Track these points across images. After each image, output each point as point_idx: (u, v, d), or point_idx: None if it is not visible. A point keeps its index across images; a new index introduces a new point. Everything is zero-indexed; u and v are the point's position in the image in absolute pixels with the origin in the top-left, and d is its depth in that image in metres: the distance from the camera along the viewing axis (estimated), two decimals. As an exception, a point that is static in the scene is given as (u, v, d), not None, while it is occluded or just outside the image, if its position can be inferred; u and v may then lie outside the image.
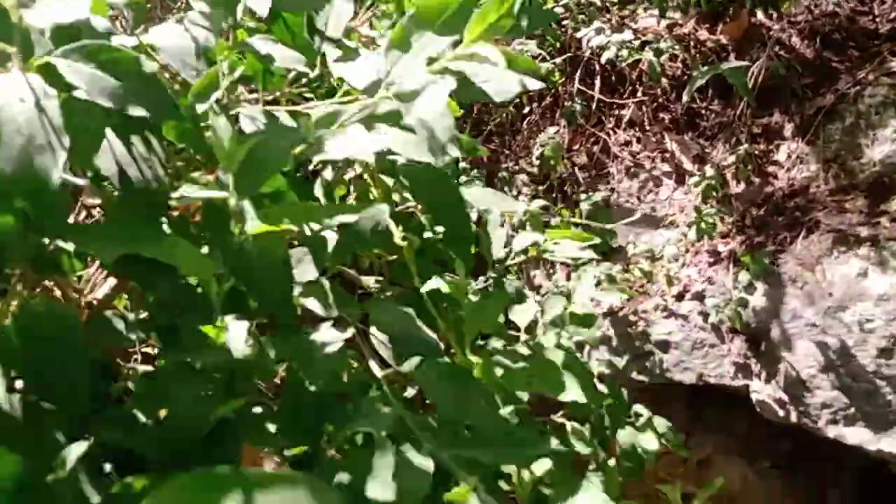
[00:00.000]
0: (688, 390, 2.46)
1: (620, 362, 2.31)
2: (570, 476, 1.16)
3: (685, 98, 2.36)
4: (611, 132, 2.67)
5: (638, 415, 1.64)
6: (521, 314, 1.43)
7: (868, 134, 2.18)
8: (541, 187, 2.72)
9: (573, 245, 1.37)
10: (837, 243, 2.06)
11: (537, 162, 2.68)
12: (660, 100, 2.60)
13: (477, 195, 1.31)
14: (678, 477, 2.45)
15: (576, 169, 2.69)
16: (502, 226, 1.39)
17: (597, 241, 1.47)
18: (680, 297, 2.26)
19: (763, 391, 2.09)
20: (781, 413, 2.05)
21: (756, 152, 2.34)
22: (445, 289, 0.98)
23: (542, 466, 0.97)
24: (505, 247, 1.43)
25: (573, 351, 1.30)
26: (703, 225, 2.12)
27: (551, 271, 2.64)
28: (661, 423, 1.62)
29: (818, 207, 2.17)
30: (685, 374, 2.22)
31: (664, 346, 2.25)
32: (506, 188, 2.78)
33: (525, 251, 1.40)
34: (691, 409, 2.46)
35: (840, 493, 2.31)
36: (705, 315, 2.18)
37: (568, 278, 2.56)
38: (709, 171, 2.24)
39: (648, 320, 2.28)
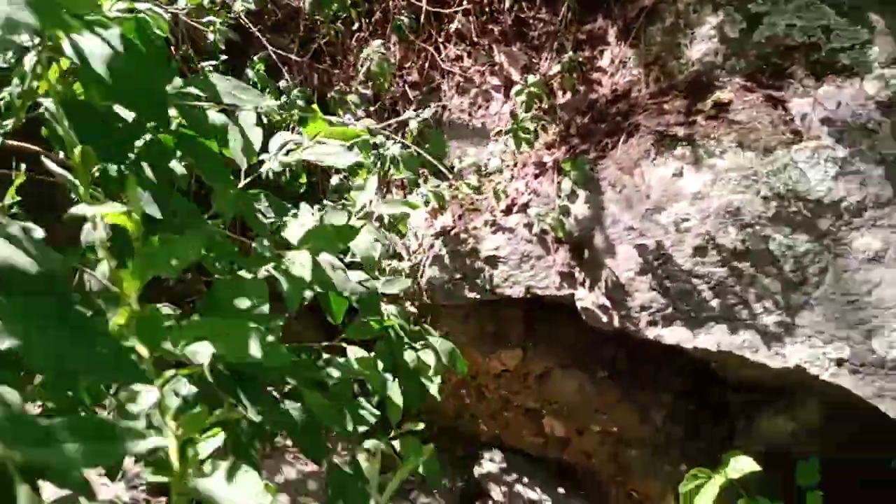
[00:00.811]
0: (524, 306, 2.44)
1: (450, 280, 2.24)
2: (244, 453, 1.06)
3: (507, 2, 2.26)
4: (441, 47, 2.55)
5: (427, 334, 1.56)
6: (294, 229, 1.31)
7: (687, 33, 2.14)
8: (372, 108, 2.59)
9: (336, 147, 1.24)
10: (655, 145, 2.03)
11: (367, 80, 2.54)
12: (487, 9, 2.49)
13: (223, 87, 1.16)
14: (519, 394, 2.44)
15: (407, 87, 2.56)
16: (258, 125, 1.25)
17: (364, 135, 1.35)
18: (508, 211, 2.20)
19: (587, 299, 2.06)
20: (605, 319, 2.04)
21: (581, 59, 2.28)
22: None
23: (210, 446, 0.80)
24: (265, 152, 1.29)
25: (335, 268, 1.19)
26: (520, 133, 2.05)
27: (387, 195, 2.53)
28: (445, 346, 1.55)
29: (639, 111, 2.14)
30: (514, 288, 2.18)
31: (493, 261, 2.19)
32: (339, 110, 2.63)
33: (286, 152, 1.26)
34: (528, 325, 2.44)
35: (672, 396, 2.34)
36: (531, 227, 2.12)
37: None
38: (530, 79, 2.16)
39: (478, 237, 2.21)
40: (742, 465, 1.93)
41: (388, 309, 1.87)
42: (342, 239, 1.18)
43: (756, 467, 1.91)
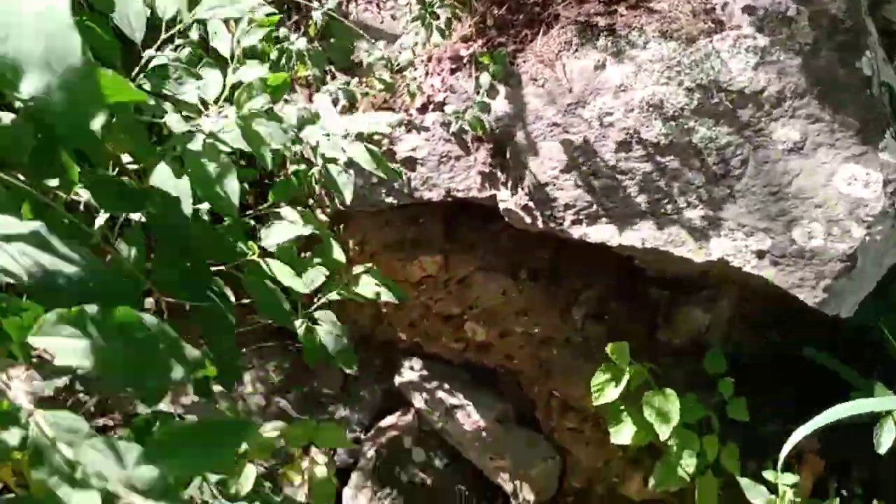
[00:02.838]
0: (444, 209, 2.34)
1: (365, 184, 2.11)
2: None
3: None
4: (344, -71, 2.32)
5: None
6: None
7: (607, -84, 2.02)
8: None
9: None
10: (577, 36, 1.93)
11: (262, -33, 2.29)
12: None
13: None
14: (439, 300, 2.38)
15: (309, -25, 2.34)
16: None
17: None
18: (424, 110, 2.07)
19: (510, 200, 1.99)
20: (528, 220, 1.98)
21: (497, -57, 2.12)
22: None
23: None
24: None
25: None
26: (430, 19, 1.90)
27: (292, 94, 2.34)
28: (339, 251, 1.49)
29: (558, 1, 2.02)
30: (433, 191, 2.07)
31: (410, 163, 2.07)
32: (232, 3, 2.38)
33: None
34: (449, 229, 2.35)
35: (594, 295, 2.34)
36: (449, 126, 2.01)
37: (310, 100, 2.27)
38: (445, -38, 2.00)
39: (393, 138, 2.08)
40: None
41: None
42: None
43: (645, 368, 1.95)
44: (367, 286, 1.69)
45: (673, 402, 1.92)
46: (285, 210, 1.76)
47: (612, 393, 2.00)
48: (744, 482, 1.90)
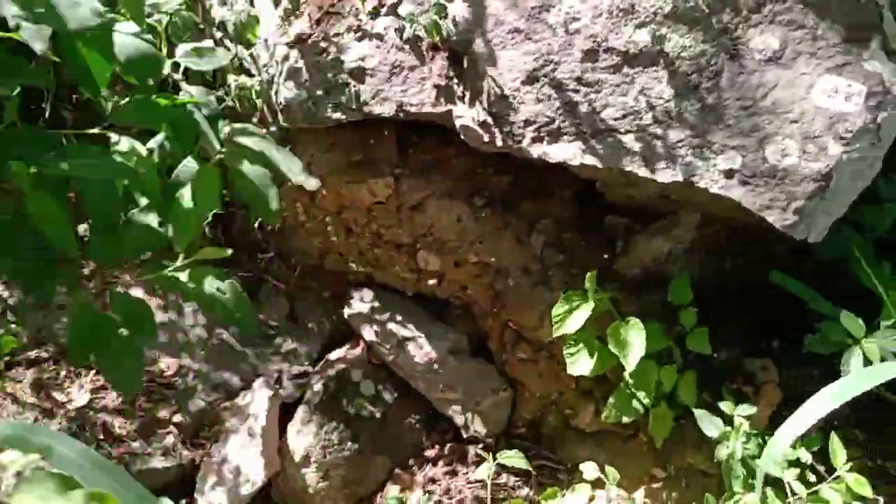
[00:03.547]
0: (396, 130, 2.20)
1: (309, 98, 1.95)
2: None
3: None
4: None
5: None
6: None
7: None
8: None
9: None
10: (542, -65, 1.77)
11: None
12: None
13: None
14: (391, 227, 2.25)
15: None
16: None
17: None
18: (375, 14, 1.90)
19: (467, 115, 1.85)
20: (486, 138, 1.84)
21: None
22: None
23: None
24: None
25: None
26: None
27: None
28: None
29: None
30: (384, 105, 1.92)
31: (359, 74, 1.91)
32: None
33: None
34: (401, 151, 2.21)
35: (553, 222, 2.24)
36: (403, 32, 1.84)
37: (251, 3, 2.08)
38: None
39: (341, 45, 1.91)
40: (595, 284, 1.88)
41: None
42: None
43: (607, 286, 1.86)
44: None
45: (639, 333, 1.84)
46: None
47: (573, 323, 1.91)
48: (699, 413, 1.85)
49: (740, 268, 2.17)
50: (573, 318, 1.93)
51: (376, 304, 2.39)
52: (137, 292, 2.41)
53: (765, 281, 2.08)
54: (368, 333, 2.34)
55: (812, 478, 1.85)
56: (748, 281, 2.15)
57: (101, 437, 2.19)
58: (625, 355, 1.85)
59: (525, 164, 2.23)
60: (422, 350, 2.31)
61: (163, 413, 2.27)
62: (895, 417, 1.90)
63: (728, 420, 1.87)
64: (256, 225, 2.41)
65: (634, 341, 1.86)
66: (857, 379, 1.47)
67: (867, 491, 1.72)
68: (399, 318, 2.36)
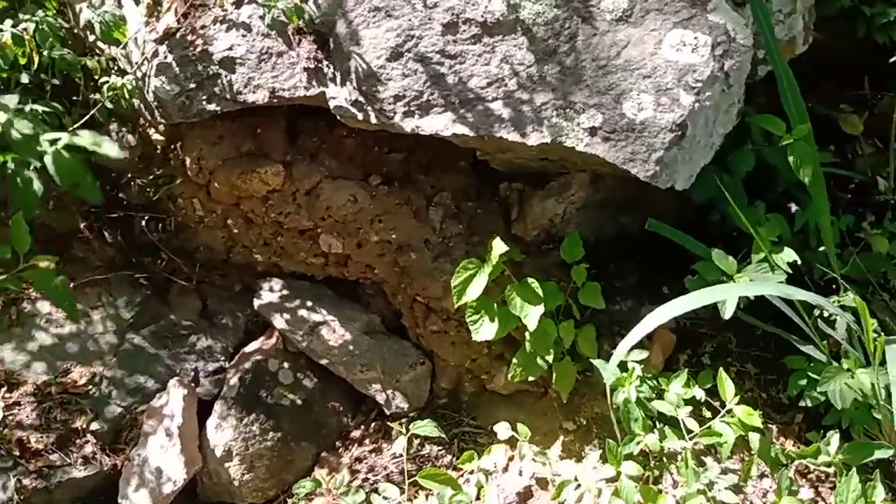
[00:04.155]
0: (285, 117, 2.20)
1: (182, 92, 1.94)
2: None
3: None
4: None
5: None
6: None
7: None
8: None
9: None
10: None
11: None
12: None
13: None
14: (290, 214, 2.26)
15: None
16: None
17: None
18: (239, 3, 1.89)
19: (339, 95, 1.87)
20: (360, 116, 1.86)
21: None
22: None
23: None
24: None
25: None
26: None
27: None
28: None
29: None
30: (258, 92, 1.92)
31: (229, 63, 1.91)
32: None
33: None
34: (290, 138, 2.22)
35: (449, 195, 2.27)
36: (265, 18, 1.84)
37: (119, 3, 2.05)
38: None
39: (208, 37, 1.90)
40: (497, 248, 1.92)
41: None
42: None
43: (504, 247, 1.90)
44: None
45: (536, 292, 1.88)
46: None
47: (473, 291, 1.94)
48: (597, 363, 1.91)
49: (631, 221, 2.24)
50: (473, 285, 1.96)
51: (286, 292, 2.41)
52: (44, 306, 2.39)
53: (653, 232, 2.15)
54: (280, 322, 2.35)
55: (707, 413, 1.93)
56: (639, 233, 2.21)
57: (18, 453, 2.17)
58: (525, 315, 1.89)
59: (417, 139, 2.26)
60: (335, 333, 2.34)
61: (79, 423, 2.25)
62: (784, 351, 1.99)
63: (624, 367, 1.93)
64: (147, 226, 2.40)
65: (532, 301, 1.91)
66: (692, 297, 1.55)
67: (756, 421, 1.80)
68: (309, 303, 2.38)
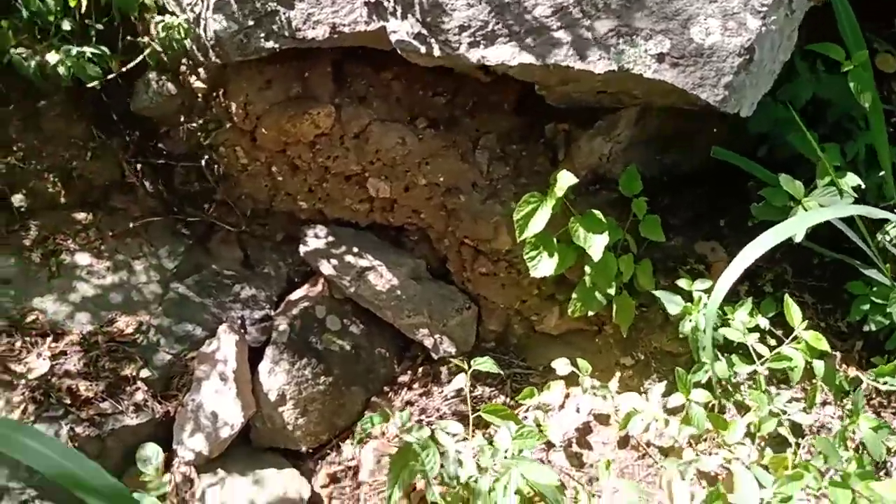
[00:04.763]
0: (331, 59, 2.18)
1: (240, 30, 1.92)
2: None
3: None
4: None
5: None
6: None
7: None
8: None
9: None
10: None
11: None
12: None
13: None
14: (337, 159, 2.25)
15: None
16: None
17: None
18: (296, -64, 1.86)
19: (401, 29, 1.85)
20: (423, 49, 1.85)
21: None
22: None
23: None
24: None
25: None
26: None
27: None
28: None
29: None
30: (317, 28, 1.90)
31: (288, 0, 1.89)
32: None
33: None
34: (339, 80, 2.20)
35: (496, 136, 2.27)
36: (326, -50, 1.82)
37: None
38: None
39: (265, -28, 1.88)
40: (565, 182, 1.92)
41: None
42: None
43: (575, 179, 1.90)
44: None
45: (600, 223, 1.88)
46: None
47: (535, 224, 1.94)
48: (661, 294, 1.92)
49: (681, 158, 2.25)
50: (536, 218, 1.96)
51: (331, 238, 2.40)
52: (84, 257, 2.37)
53: (705, 167, 2.16)
54: (327, 268, 2.35)
55: (772, 342, 1.95)
56: (690, 169, 2.23)
57: (69, 401, 2.16)
58: (589, 245, 1.90)
59: (461, 81, 2.25)
60: (382, 278, 2.34)
61: (128, 371, 2.24)
62: (839, 280, 2.01)
63: (687, 297, 1.95)
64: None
65: (596, 230, 1.91)
66: (787, 225, 1.54)
67: (825, 345, 1.82)
68: (355, 249, 2.38)
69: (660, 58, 1.72)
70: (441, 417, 2.28)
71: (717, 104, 1.72)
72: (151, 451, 1.85)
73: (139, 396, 2.23)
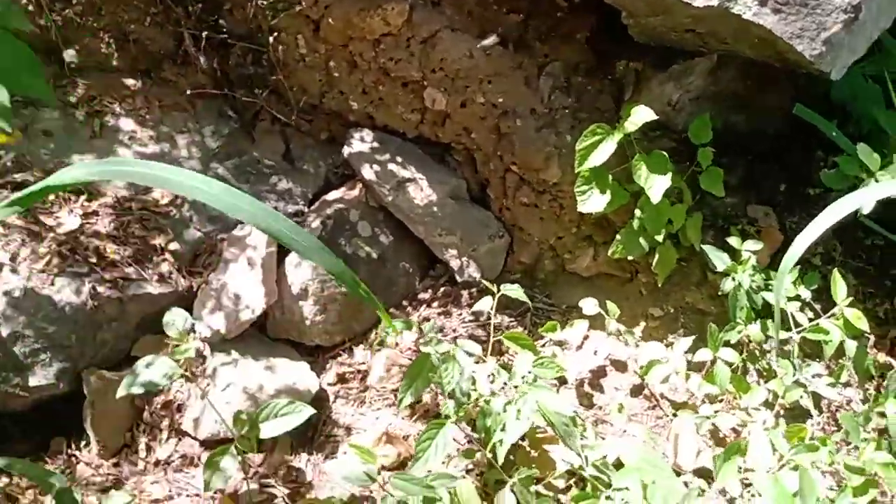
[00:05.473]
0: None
1: None
2: None
3: None
4: None
5: None
6: None
7: None
8: None
9: None
10: None
11: None
12: None
13: None
14: (399, 61, 2.19)
15: None
16: None
17: None
18: None
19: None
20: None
21: None
22: None
23: None
24: None
25: None
26: None
27: None
28: None
29: None
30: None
31: None
32: None
33: None
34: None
35: (563, 66, 2.21)
36: None
37: None
38: None
39: None
40: (640, 117, 1.86)
41: None
42: None
43: (653, 116, 1.85)
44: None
45: (666, 162, 1.83)
46: None
47: (598, 156, 1.89)
48: (707, 249, 1.89)
49: (746, 119, 2.19)
50: (599, 150, 1.91)
51: (376, 144, 2.36)
52: (128, 123, 2.33)
53: (767, 132, 2.10)
54: (368, 173, 2.31)
55: (810, 314, 1.92)
56: (751, 131, 2.17)
57: (94, 260, 2.14)
58: (650, 186, 1.85)
59: (538, 2, 2.18)
60: (422, 192, 2.30)
61: (157, 241, 2.22)
62: (887, 265, 1.98)
63: (734, 256, 1.91)
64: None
65: (660, 171, 1.86)
66: (863, 192, 1.49)
67: (864, 325, 1.79)
68: (399, 159, 2.34)
69: (762, 1, 1.65)
70: (457, 339, 2.27)
71: (812, 59, 1.65)
72: (179, 316, 1.84)
73: (165, 267, 2.22)
